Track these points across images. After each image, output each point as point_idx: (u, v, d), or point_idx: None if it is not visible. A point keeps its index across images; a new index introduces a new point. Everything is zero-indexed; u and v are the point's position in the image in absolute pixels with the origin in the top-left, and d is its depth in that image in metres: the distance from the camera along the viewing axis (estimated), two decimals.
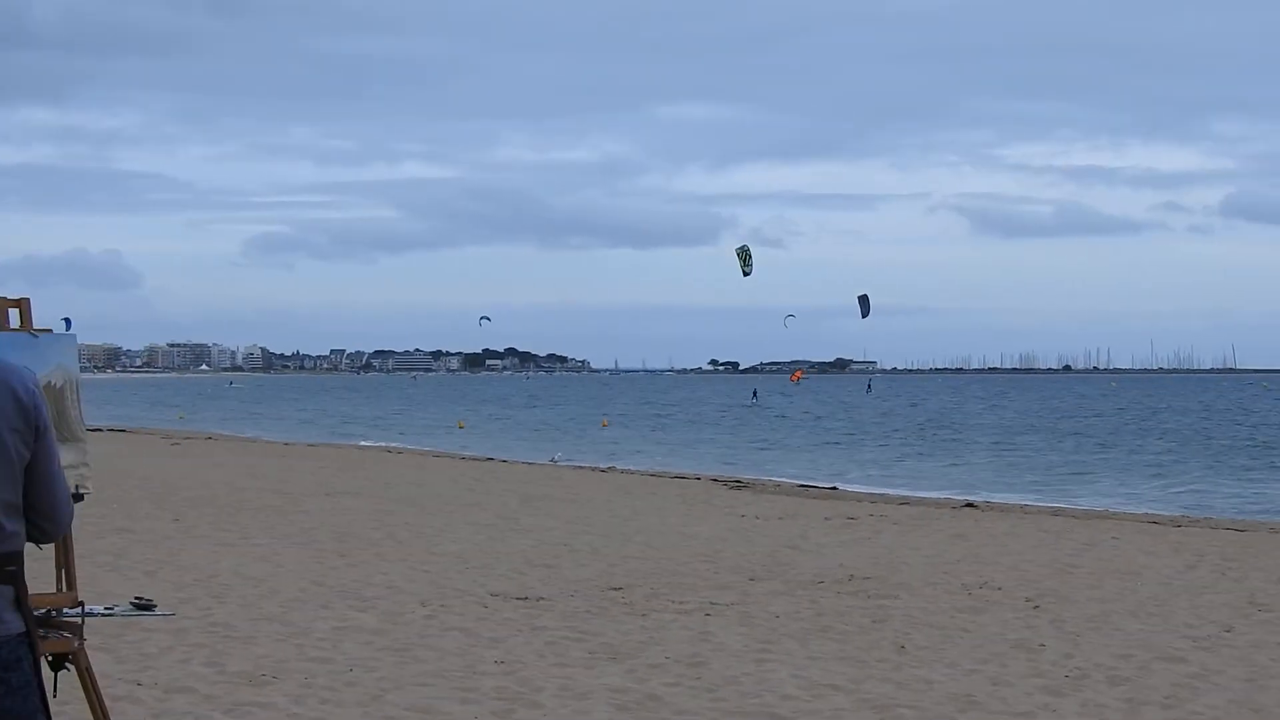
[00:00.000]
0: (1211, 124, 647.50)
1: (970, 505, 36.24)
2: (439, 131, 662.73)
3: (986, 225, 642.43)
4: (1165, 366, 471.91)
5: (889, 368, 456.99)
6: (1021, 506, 37.26)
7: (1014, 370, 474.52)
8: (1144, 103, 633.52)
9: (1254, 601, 19.69)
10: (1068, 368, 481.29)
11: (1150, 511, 37.46)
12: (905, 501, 37.57)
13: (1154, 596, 20.04)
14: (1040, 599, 19.59)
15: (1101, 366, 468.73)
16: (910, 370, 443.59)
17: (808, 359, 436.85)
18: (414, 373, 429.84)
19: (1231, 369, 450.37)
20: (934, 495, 41.07)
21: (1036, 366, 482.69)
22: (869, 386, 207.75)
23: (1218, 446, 70.43)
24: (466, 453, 59.95)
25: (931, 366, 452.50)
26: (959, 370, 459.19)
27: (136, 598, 9.80)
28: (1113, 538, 28.00)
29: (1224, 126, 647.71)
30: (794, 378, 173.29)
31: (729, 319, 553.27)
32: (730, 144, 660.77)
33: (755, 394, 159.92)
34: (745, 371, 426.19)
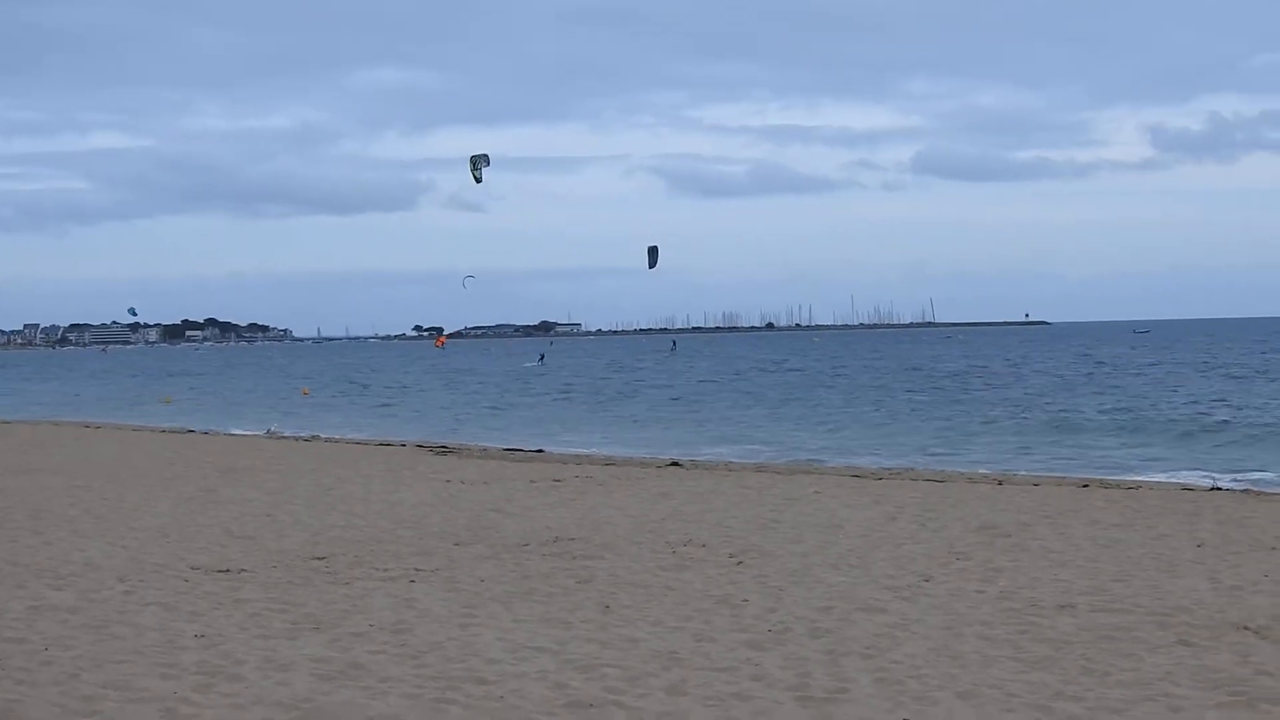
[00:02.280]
0: (901, 83, 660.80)
1: (675, 464, 36.52)
2: (129, 101, 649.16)
3: (684, 186, 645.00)
4: (866, 322, 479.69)
5: (594, 330, 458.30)
6: (725, 464, 37.63)
7: (718, 329, 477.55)
8: (836, 63, 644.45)
9: (952, 550, 20.10)
10: (771, 325, 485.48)
11: (853, 464, 38.01)
12: (611, 462, 37.72)
13: (855, 549, 20.36)
14: (743, 555, 19.80)
15: (804, 324, 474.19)
16: (616, 332, 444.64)
17: (512, 322, 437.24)
18: (105, 346, 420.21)
19: (930, 323, 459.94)
20: (639, 454, 41.27)
21: (740, 325, 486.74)
22: (674, 345, 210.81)
23: (915, 400, 71.67)
24: (166, 425, 58.96)
25: (636, 327, 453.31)
26: (664, 330, 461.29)
27: None
28: (815, 492, 28.42)
29: (913, 85, 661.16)
30: (438, 343, 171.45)
31: (431, 284, 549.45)
32: (428, 109, 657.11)
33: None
34: (452, 336, 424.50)
